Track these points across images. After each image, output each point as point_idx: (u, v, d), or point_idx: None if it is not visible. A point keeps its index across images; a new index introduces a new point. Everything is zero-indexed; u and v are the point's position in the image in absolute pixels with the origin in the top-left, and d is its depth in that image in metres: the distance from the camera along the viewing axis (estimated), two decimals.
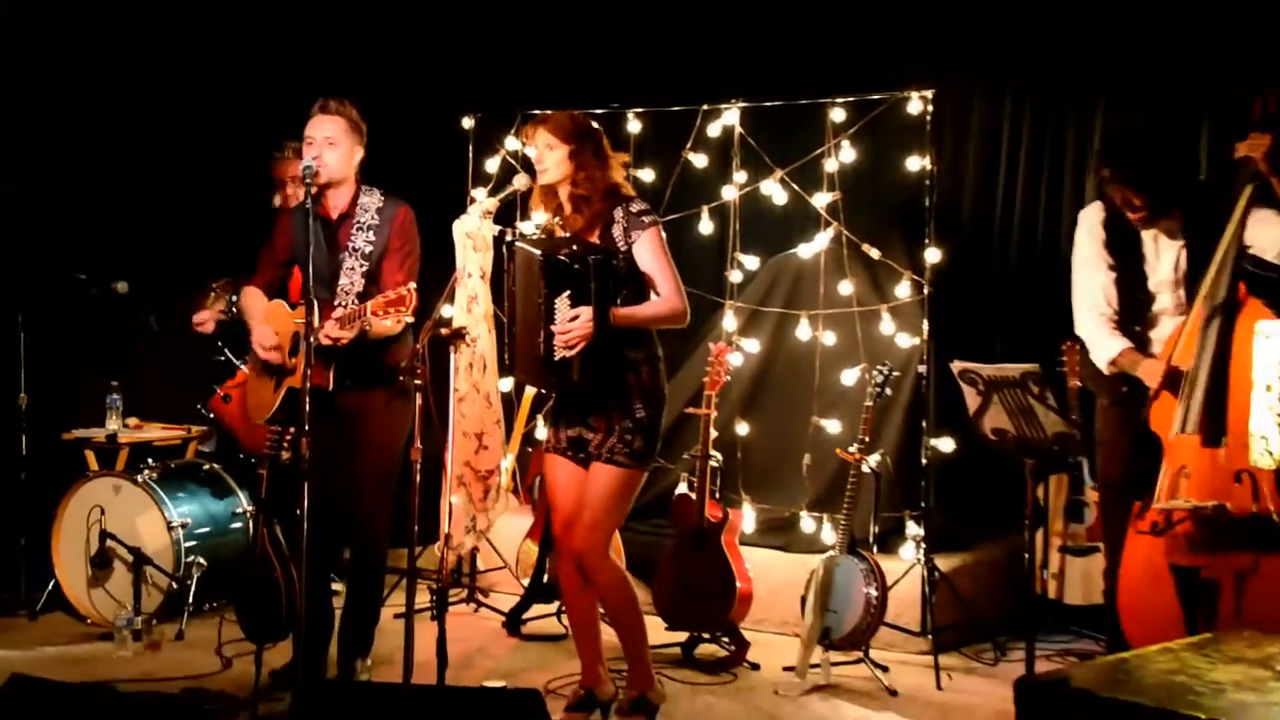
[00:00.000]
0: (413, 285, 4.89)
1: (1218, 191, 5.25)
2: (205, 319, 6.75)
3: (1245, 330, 4.56)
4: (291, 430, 5.02)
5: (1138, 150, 5.14)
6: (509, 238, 5.10)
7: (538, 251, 4.73)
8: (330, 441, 5.13)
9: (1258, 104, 4.80)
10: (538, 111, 5.11)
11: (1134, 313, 5.09)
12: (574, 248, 4.73)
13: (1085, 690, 2.98)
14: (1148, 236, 5.07)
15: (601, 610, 5.12)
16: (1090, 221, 5.21)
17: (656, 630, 5.51)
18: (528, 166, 4.95)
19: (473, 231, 5.10)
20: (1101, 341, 5.12)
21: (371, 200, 5.31)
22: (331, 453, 5.14)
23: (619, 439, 4.80)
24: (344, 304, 5.15)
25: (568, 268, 4.66)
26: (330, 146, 5.16)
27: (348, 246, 5.24)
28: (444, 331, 4.97)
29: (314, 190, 5.03)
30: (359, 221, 5.26)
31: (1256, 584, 4.41)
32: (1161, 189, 5.02)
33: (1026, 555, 5.29)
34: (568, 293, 4.66)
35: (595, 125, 4.97)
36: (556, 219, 4.97)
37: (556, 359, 4.70)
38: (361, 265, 5.24)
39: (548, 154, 4.85)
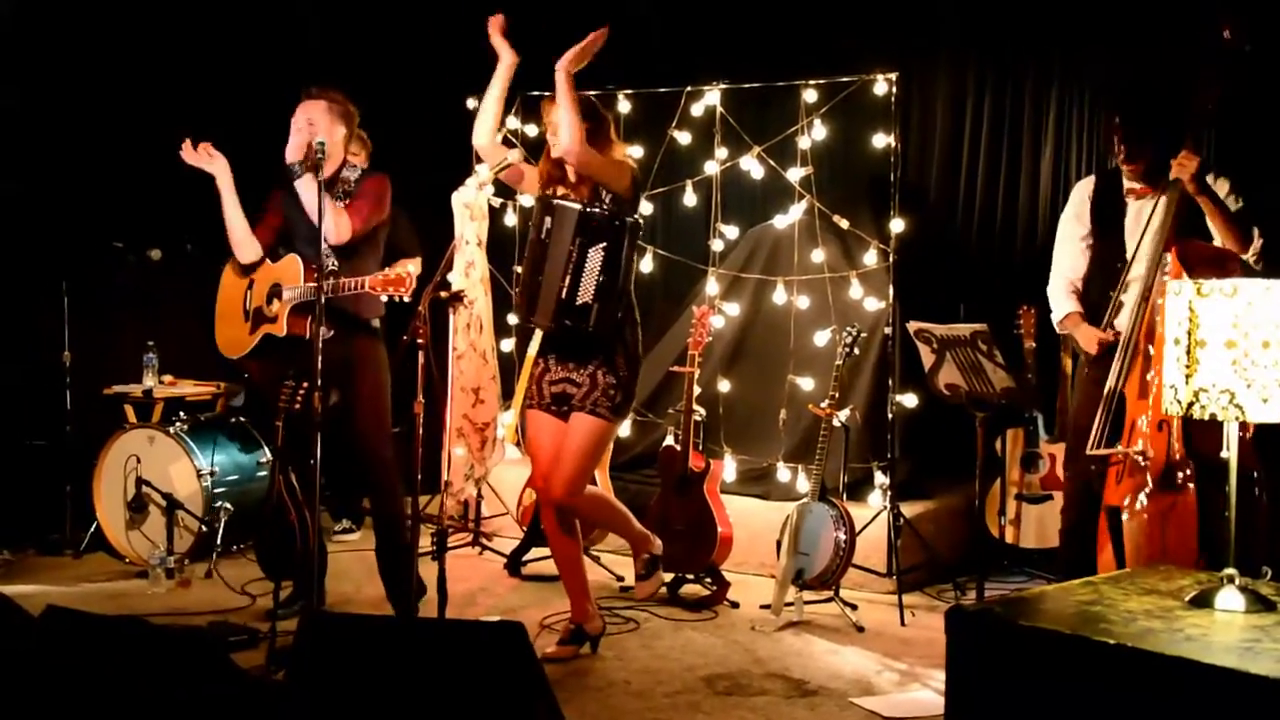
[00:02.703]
0: (412, 269, 4.91)
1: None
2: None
3: None
4: (305, 385, 5.04)
5: (1134, 98, 5.01)
6: (547, 197, 5.02)
7: (576, 205, 4.75)
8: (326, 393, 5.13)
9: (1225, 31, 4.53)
10: (536, 93, 5.07)
11: (1109, 279, 4.96)
12: (604, 208, 4.76)
13: (1007, 619, 3.00)
14: (1133, 209, 4.95)
15: (587, 543, 5.10)
16: (1079, 194, 5.11)
17: None
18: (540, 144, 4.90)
19: (470, 202, 5.09)
20: (1057, 302, 5.09)
21: (353, 173, 5.33)
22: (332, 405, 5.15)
23: (602, 393, 4.81)
24: (330, 258, 5.12)
25: (607, 222, 4.70)
26: (310, 127, 5.15)
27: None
28: (443, 294, 4.97)
29: (312, 165, 5.04)
30: (339, 190, 5.27)
31: (1174, 522, 4.42)
32: (1148, 138, 4.88)
33: (978, 502, 5.32)
34: (603, 244, 4.67)
35: (606, 111, 4.96)
36: (564, 189, 4.94)
37: (578, 304, 4.71)
38: None
39: None
